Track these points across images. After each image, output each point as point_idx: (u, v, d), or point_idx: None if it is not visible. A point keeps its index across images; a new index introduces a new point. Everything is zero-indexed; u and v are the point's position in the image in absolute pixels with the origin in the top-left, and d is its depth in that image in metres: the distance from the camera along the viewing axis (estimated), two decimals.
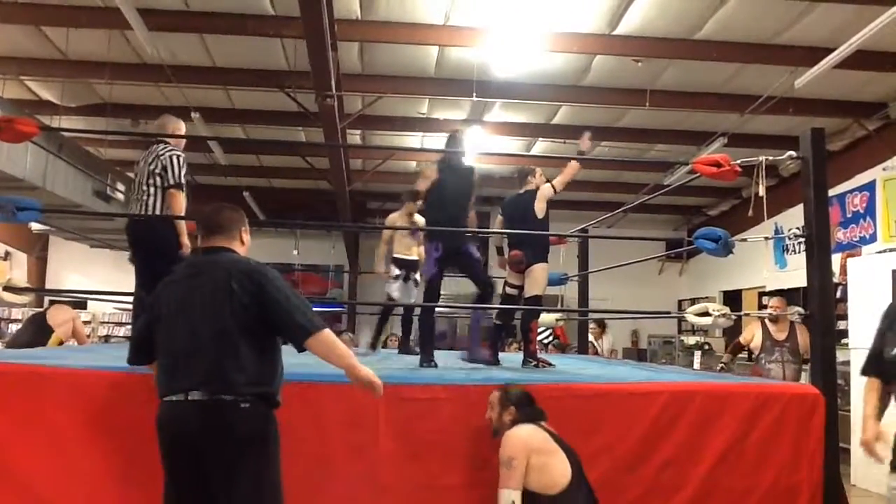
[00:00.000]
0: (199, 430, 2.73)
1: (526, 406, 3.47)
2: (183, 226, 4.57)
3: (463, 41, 8.40)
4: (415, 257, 6.95)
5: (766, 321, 6.83)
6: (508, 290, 5.72)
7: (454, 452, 3.48)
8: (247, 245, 3.16)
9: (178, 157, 4.61)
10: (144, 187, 4.59)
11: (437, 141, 11.88)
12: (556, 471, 3.25)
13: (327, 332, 2.88)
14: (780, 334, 6.73)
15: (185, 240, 4.57)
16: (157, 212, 4.54)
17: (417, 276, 6.91)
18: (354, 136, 12.10)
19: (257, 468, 2.79)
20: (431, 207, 5.40)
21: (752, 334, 6.96)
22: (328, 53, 7.26)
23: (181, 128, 5.01)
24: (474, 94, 9.23)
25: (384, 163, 13.10)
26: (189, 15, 8.12)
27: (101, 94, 10.45)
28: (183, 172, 4.59)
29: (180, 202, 4.56)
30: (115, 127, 10.99)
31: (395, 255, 7.00)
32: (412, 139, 12.17)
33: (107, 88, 10.16)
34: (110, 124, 10.92)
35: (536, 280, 5.51)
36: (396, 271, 6.91)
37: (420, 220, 6.80)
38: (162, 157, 4.58)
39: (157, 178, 4.56)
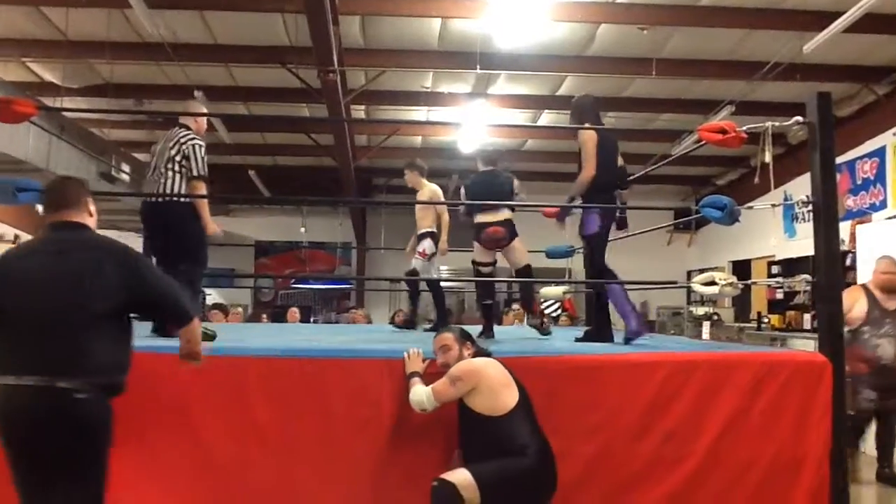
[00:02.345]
0: (36, 419, 2.63)
1: (476, 343, 3.65)
2: (206, 212, 4.67)
3: (466, 12, 8.30)
4: (425, 229, 6.57)
5: (874, 287, 5.64)
6: (483, 269, 5.76)
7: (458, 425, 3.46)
8: (94, 217, 3.03)
9: (199, 146, 4.70)
10: (163, 170, 4.64)
11: (441, 115, 11.83)
12: (504, 398, 3.33)
13: (197, 319, 3.01)
14: (891, 303, 5.55)
15: (213, 226, 4.68)
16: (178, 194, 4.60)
17: (421, 248, 6.53)
18: (359, 112, 12.04)
19: (91, 461, 2.74)
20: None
21: (850, 304, 5.39)
22: (329, 28, 7.21)
23: (202, 110, 5.14)
24: (478, 67, 9.15)
25: (389, 138, 13.06)
26: None
27: (102, 74, 10.41)
28: (205, 162, 4.68)
29: (203, 193, 4.67)
30: (118, 108, 10.96)
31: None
32: (417, 113, 12.09)
33: (108, 68, 10.12)
34: (113, 105, 10.89)
35: (523, 251, 5.69)
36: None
37: (431, 192, 6.58)
38: (184, 146, 4.65)
39: (177, 165, 4.62)
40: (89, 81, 10.55)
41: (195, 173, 4.61)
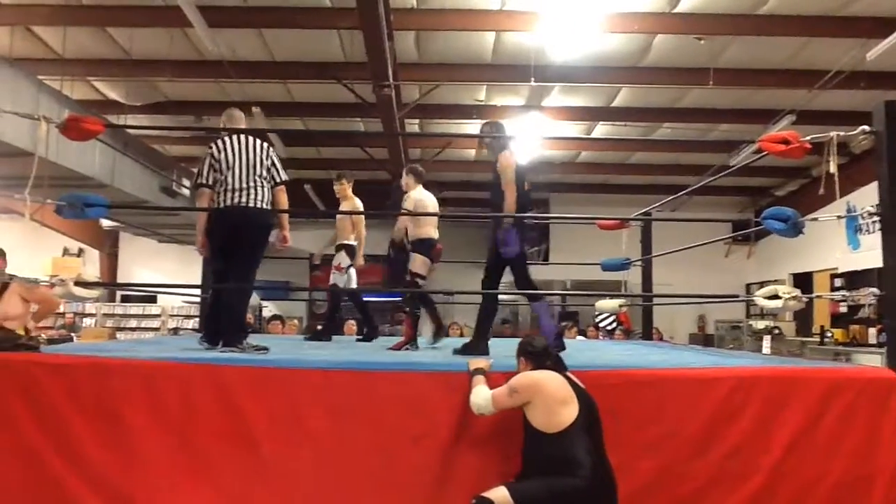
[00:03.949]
0: None
1: (540, 356, 3.52)
2: (287, 221, 4.83)
3: (519, 26, 8.32)
4: (342, 241, 6.66)
5: None
6: (421, 282, 5.83)
7: (515, 439, 3.44)
8: None
9: (278, 155, 4.82)
10: (260, 180, 4.61)
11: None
12: (560, 415, 3.26)
13: None
14: None
15: (288, 233, 4.84)
16: (268, 205, 4.66)
17: (337, 262, 6.67)
18: (413, 126, 12.12)
19: None
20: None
21: None
22: (384, 44, 7.29)
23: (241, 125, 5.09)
24: (532, 79, 9.14)
25: (443, 151, 13.10)
26: (247, 10, 8.25)
27: (164, 91, 10.69)
28: None
29: (286, 199, 4.79)
30: (179, 124, 11.23)
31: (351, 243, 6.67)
32: (471, 127, 12.11)
33: (170, 86, 10.40)
34: (173, 121, 11.17)
35: None
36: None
37: (354, 204, 6.69)
38: (272, 154, 4.73)
39: (268, 174, 4.67)
40: (151, 99, 10.85)
41: (282, 178, 4.72)
